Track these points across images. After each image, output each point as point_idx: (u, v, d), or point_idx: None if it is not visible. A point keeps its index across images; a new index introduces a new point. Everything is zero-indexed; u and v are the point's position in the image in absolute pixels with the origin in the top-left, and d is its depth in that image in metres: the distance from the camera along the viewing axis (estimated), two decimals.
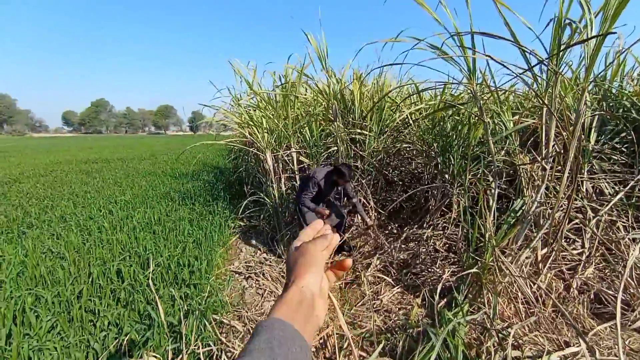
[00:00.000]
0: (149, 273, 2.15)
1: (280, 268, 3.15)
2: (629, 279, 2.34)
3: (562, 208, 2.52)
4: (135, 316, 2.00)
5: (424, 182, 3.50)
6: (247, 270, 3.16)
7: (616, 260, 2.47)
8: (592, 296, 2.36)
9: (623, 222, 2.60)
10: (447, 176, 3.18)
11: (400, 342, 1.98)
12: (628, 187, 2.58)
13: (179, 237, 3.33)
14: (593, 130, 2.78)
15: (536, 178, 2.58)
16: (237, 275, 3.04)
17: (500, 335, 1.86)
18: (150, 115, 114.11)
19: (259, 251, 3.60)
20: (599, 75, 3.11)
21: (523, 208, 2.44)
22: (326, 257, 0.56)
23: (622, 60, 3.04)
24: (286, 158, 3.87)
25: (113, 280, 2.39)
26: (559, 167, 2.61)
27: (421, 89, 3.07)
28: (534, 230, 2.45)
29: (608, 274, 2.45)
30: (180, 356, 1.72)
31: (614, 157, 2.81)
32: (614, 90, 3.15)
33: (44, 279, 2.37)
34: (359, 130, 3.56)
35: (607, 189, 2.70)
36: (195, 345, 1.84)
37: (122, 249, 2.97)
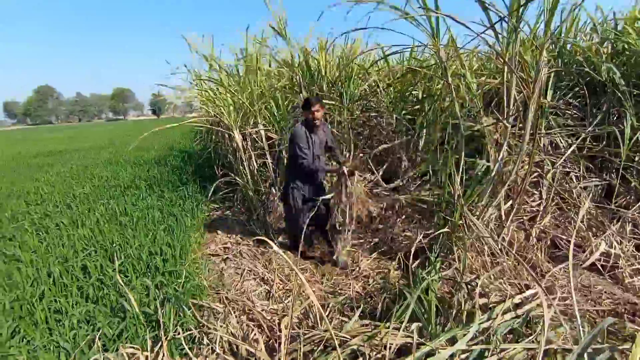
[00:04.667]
0: (118, 265, 2.04)
1: (258, 246, 3.13)
2: (580, 223, 2.56)
3: (523, 164, 2.65)
4: (107, 311, 1.91)
5: (395, 149, 3.52)
6: (225, 252, 3.11)
7: (569, 207, 2.68)
8: (548, 242, 2.56)
9: (575, 173, 2.80)
10: (419, 142, 3.22)
11: (379, 304, 2.06)
12: (580, 139, 2.75)
13: (149, 226, 3.18)
14: (550, 86, 2.88)
15: (500, 137, 2.68)
16: (214, 258, 2.99)
17: (469, 286, 1.98)
18: (106, 101, 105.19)
19: (235, 231, 3.54)
20: (555, 32, 3.19)
21: (488, 167, 2.54)
22: None
23: (575, 15, 3.12)
24: (255, 136, 3.73)
25: (79, 277, 2.25)
26: (520, 125, 2.72)
27: (387, 54, 2.99)
28: (498, 187, 2.57)
29: (562, 220, 2.66)
30: (160, 343, 1.68)
31: (567, 111, 2.96)
32: (568, 47, 3.26)
33: None
34: (326, 101, 3.46)
35: (562, 143, 2.86)
36: (175, 332, 1.81)
37: (86, 244, 2.79)
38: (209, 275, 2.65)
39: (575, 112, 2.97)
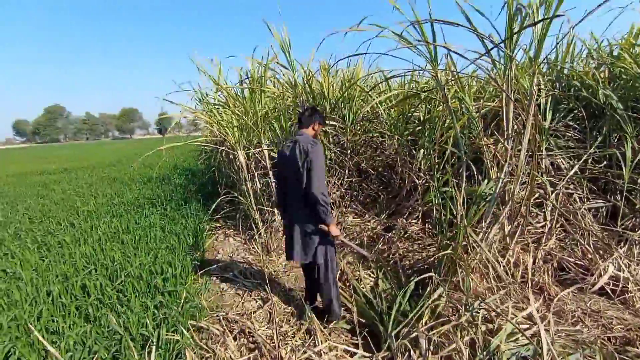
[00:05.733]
0: (118, 284, 2.02)
1: (259, 267, 3.09)
2: (586, 246, 2.52)
3: (524, 185, 2.66)
4: (105, 332, 1.87)
5: (397, 169, 3.55)
6: (226, 271, 3.08)
7: (574, 229, 2.65)
8: (555, 264, 2.51)
9: (579, 194, 2.78)
10: (420, 163, 3.25)
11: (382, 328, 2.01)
12: (581, 160, 2.76)
13: (150, 245, 3.17)
14: (548, 109, 2.94)
15: (500, 159, 2.70)
16: (215, 277, 2.95)
17: (473, 310, 1.94)
18: (114, 120, 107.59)
19: (237, 251, 3.52)
20: (551, 58, 3.29)
21: (489, 188, 2.55)
22: None
23: (571, 41, 3.22)
24: (258, 155, 3.78)
25: (77, 297, 2.22)
26: (520, 147, 2.74)
27: (388, 76, 3.08)
28: (500, 208, 2.56)
29: (568, 242, 2.62)
30: None
31: (567, 134, 2.99)
32: (565, 71, 3.34)
33: None
34: (331, 123, 3.54)
35: (563, 164, 2.87)
36: (173, 354, 1.76)
37: (87, 262, 2.77)
38: (209, 296, 2.61)
39: (575, 134, 3.00)
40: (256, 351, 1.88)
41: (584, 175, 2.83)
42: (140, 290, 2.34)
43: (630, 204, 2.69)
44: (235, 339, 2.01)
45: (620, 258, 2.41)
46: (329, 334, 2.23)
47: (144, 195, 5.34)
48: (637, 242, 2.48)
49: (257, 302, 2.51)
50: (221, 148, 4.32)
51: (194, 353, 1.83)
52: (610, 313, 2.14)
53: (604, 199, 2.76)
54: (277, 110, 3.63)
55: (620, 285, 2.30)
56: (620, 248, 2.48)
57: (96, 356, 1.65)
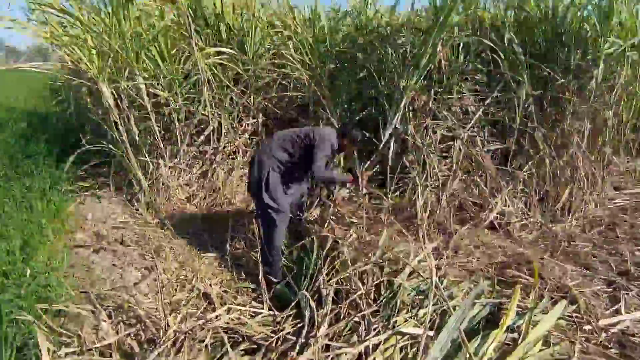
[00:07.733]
0: None
1: (143, 231, 2.83)
2: (483, 185, 3.02)
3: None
4: None
5: (311, 114, 3.50)
6: (97, 240, 2.73)
7: (475, 170, 3.12)
8: (456, 204, 2.96)
9: (480, 137, 3.24)
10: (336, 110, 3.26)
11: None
12: (484, 105, 3.18)
13: None
14: (460, 51, 3.22)
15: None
16: (81, 249, 2.59)
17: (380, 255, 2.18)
18: None
19: (112, 215, 3.12)
20: None
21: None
22: None
23: None
24: (133, 93, 3.21)
25: None
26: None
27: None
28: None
29: (469, 183, 3.09)
30: None
31: (476, 77, 3.36)
32: (478, 13, 3.65)
33: None
34: (225, 50, 3.21)
35: (471, 108, 3.26)
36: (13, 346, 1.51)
37: None
38: (75, 272, 2.29)
39: (482, 77, 3.39)
40: (138, 325, 1.75)
41: (487, 119, 3.28)
42: None
43: (520, 145, 3.25)
44: (110, 316, 1.84)
45: (507, 195, 2.97)
46: (235, 297, 2.27)
47: None
48: (520, 179, 3.08)
49: (140, 272, 2.33)
50: (77, 81, 3.56)
51: (50, 342, 1.60)
52: (495, 243, 2.66)
53: (500, 142, 3.28)
54: (155, 30, 3.08)
55: (505, 219, 2.87)
56: (509, 185, 3.04)
57: None
